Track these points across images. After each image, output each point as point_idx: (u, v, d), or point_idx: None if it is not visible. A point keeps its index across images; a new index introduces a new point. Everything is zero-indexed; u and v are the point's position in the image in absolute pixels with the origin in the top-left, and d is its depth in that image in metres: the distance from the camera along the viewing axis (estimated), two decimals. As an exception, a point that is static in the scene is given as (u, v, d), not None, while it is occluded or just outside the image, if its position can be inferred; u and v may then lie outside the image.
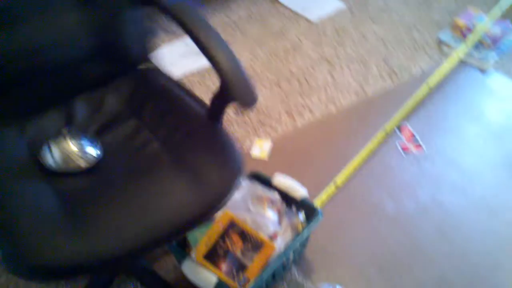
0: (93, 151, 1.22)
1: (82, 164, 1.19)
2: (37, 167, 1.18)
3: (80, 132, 1.26)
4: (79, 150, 1.19)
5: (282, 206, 1.58)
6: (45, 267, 0.98)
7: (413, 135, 2.04)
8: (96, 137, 1.27)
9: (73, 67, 1.33)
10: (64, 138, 1.21)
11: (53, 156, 1.18)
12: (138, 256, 1.06)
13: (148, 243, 1.05)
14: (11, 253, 0.99)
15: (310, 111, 2.16)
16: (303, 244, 1.60)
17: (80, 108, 1.36)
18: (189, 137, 1.24)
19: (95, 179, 1.18)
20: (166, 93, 1.37)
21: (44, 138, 1.24)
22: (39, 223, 1.02)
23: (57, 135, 1.22)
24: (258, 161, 1.95)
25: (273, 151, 1.99)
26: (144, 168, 1.19)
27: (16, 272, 1.00)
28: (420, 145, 2.01)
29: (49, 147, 1.19)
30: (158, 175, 1.16)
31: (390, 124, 2.07)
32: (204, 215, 1.12)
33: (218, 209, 1.13)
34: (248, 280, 1.37)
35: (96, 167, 1.20)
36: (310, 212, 1.54)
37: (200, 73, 2.33)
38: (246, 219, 1.47)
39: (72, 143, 1.20)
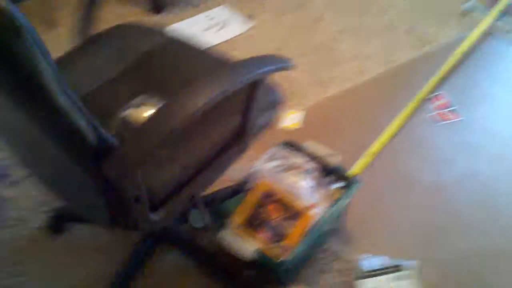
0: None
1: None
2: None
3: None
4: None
5: (318, 175, 1.53)
6: None
7: (448, 104, 1.98)
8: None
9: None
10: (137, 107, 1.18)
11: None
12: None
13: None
14: None
15: (339, 81, 2.10)
16: (342, 214, 1.55)
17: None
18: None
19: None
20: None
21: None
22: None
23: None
24: (290, 131, 1.90)
25: (305, 122, 1.95)
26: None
27: None
28: (455, 114, 1.95)
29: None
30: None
31: (421, 93, 2.01)
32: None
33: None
34: (287, 250, 1.33)
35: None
36: (347, 180, 1.50)
37: (223, 47, 2.28)
38: (281, 189, 1.43)
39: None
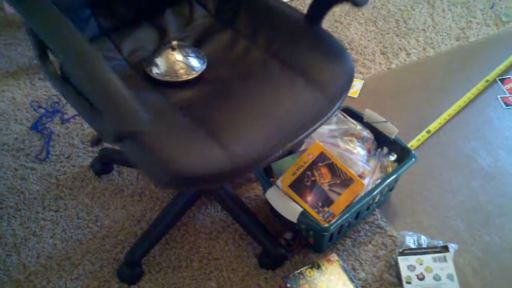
0: (197, 63, 1.19)
1: (185, 74, 1.17)
2: (141, 78, 1.19)
3: (186, 44, 1.22)
4: (184, 61, 1.17)
5: (373, 145, 1.50)
6: (186, 176, 0.98)
7: (516, 89, 1.89)
8: (198, 49, 1.24)
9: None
10: (172, 49, 1.18)
11: (159, 66, 1.18)
12: (268, 162, 1.08)
13: (278, 146, 1.06)
14: (153, 163, 1.00)
15: (406, 53, 2.03)
16: (391, 187, 1.53)
17: (172, 21, 1.34)
18: (291, 42, 1.21)
19: (203, 89, 1.16)
20: (258, 1, 1.33)
21: (146, 50, 1.25)
22: (172, 134, 1.03)
23: (164, 47, 1.20)
24: (348, 98, 1.86)
25: (364, 90, 1.90)
26: (253, 75, 1.18)
27: (159, 181, 1.02)
28: (523, 100, 1.86)
29: (157, 57, 1.19)
30: (270, 80, 1.15)
31: (492, 74, 1.92)
32: (328, 111, 1.14)
33: (339, 105, 1.16)
34: (333, 215, 1.32)
35: (200, 79, 1.18)
36: (402, 153, 1.47)
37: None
38: (335, 153, 1.41)
39: (178, 54, 1.18)
